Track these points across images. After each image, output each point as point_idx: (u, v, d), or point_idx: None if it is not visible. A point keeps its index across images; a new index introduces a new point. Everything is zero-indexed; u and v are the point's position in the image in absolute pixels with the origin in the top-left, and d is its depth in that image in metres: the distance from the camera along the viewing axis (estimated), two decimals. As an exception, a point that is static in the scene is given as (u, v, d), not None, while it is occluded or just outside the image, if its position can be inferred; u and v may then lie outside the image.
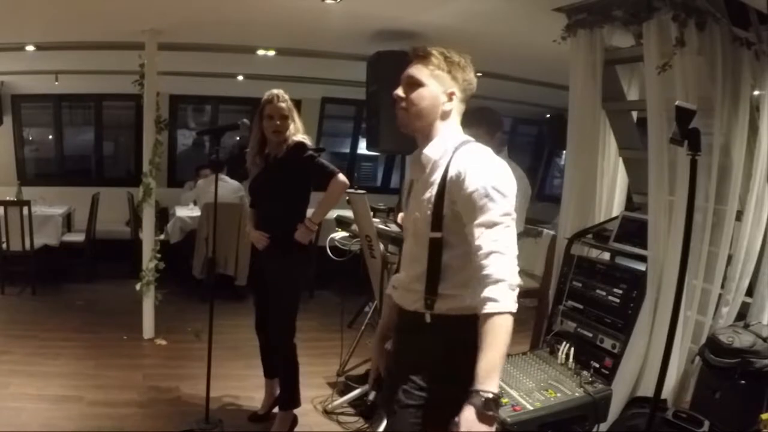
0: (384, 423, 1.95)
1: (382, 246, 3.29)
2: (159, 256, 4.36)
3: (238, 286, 5.41)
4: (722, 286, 2.63)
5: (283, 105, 2.94)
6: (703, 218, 2.56)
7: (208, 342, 3.07)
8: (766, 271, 2.65)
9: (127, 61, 4.39)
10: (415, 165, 1.70)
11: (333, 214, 3.76)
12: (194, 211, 5.77)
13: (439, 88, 1.63)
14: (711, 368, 2.40)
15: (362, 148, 7.71)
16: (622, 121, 3.20)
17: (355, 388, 3.47)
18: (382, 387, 1.79)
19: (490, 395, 1.39)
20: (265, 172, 3.02)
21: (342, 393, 3.50)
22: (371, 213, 3.29)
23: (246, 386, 3.59)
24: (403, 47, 2.06)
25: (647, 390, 2.52)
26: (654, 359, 2.56)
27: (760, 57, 2.61)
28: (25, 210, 5.19)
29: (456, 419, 1.39)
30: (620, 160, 3.26)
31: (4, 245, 5.27)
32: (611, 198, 3.27)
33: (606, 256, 3.03)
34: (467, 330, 1.49)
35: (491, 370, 1.42)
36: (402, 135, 1.71)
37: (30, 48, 4.73)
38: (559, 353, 2.63)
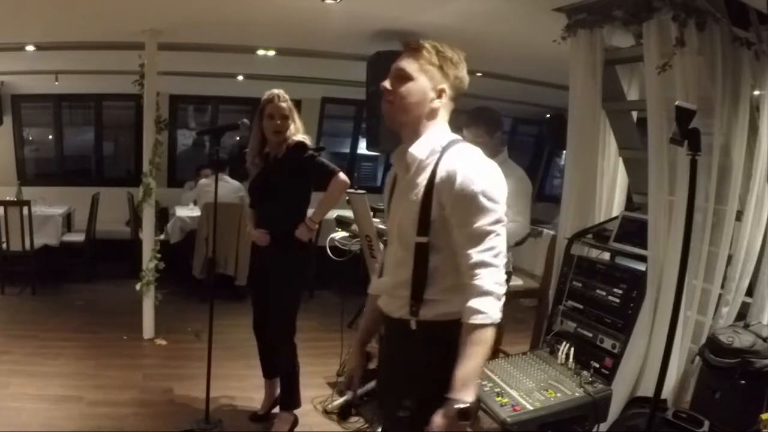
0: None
1: (382, 246, 3.29)
2: (159, 256, 4.36)
3: (238, 286, 5.41)
4: (722, 286, 2.63)
5: (283, 105, 2.94)
6: (703, 218, 2.56)
7: (208, 342, 3.07)
8: (766, 271, 2.65)
9: (127, 61, 4.39)
10: (399, 162, 1.64)
11: (333, 214, 3.76)
12: (194, 211, 5.77)
13: (428, 83, 1.56)
14: (711, 368, 2.40)
15: (362, 148, 7.71)
16: (622, 121, 3.20)
17: (355, 388, 3.47)
18: (373, 394, 1.78)
19: (464, 405, 1.39)
20: (265, 172, 3.02)
21: (342, 393, 3.50)
22: (371, 213, 3.29)
23: (246, 386, 3.59)
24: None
25: (647, 390, 2.52)
26: (654, 359, 2.56)
27: (760, 57, 2.61)
28: (25, 210, 5.19)
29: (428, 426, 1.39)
30: (620, 160, 3.26)
31: (4, 245, 5.27)
32: (611, 198, 3.27)
33: (606, 256, 3.03)
34: (455, 336, 1.47)
35: (468, 380, 1.42)
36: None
37: (30, 48, 4.73)
38: (559, 353, 2.63)
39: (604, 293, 2.72)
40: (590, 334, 2.70)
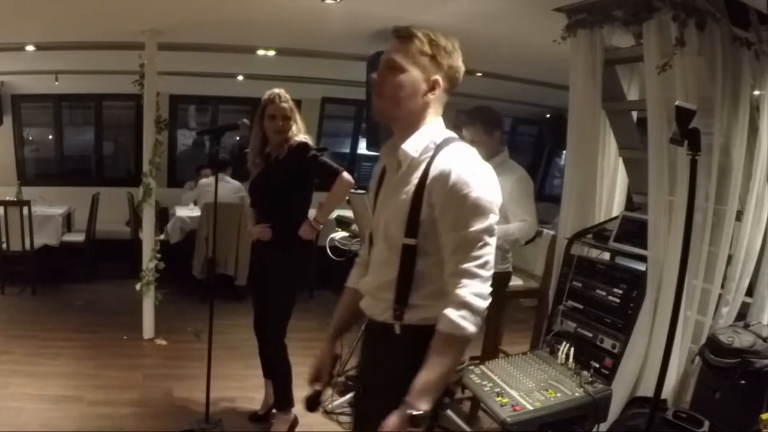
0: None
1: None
2: (159, 256, 4.36)
3: (238, 286, 5.41)
4: (722, 286, 2.63)
5: (285, 105, 2.92)
6: (703, 218, 2.56)
7: (208, 342, 3.07)
8: (766, 271, 2.65)
9: (127, 61, 4.39)
10: (390, 157, 1.56)
11: (333, 213, 3.76)
12: (194, 211, 5.77)
13: (420, 74, 1.46)
14: (711, 368, 2.40)
15: (362, 148, 7.71)
16: (622, 121, 3.20)
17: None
18: (356, 397, 1.71)
19: (418, 412, 1.33)
20: (266, 173, 3.01)
21: (342, 393, 3.50)
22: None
23: (246, 386, 3.59)
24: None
25: (647, 390, 2.52)
26: (654, 359, 2.56)
27: (760, 57, 2.61)
28: (25, 210, 5.19)
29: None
30: (620, 160, 3.26)
31: (4, 245, 5.27)
32: (611, 198, 3.27)
33: (606, 256, 3.03)
34: None
35: (428, 389, 1.36)
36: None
37: (30, 48, 4.73)
38: (559, 353, 2.63)
39: (604, 293, 2.72)
40: (590, 334, 2.70)
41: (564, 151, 6.21)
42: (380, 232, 1.55)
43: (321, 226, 3.00)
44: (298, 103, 3.10)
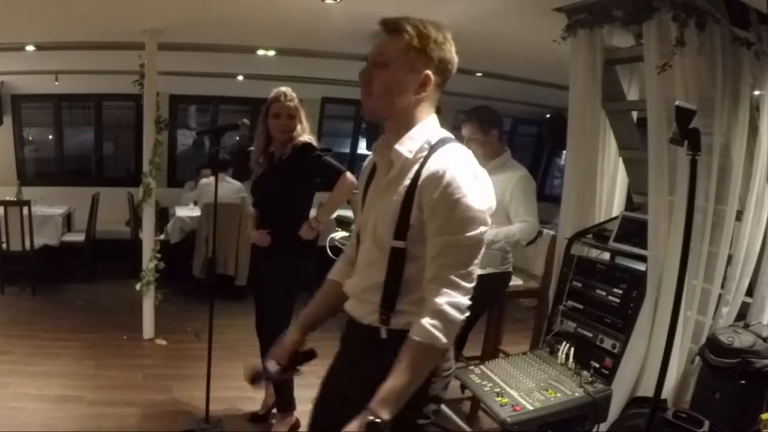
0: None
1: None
2: (159, 256, 4.36)
3: (238, 286, 5.41)
4: (722, 286, 2.63)
5: (290, 104, 2.88)
6: (703, 218, 2.56)
7: (208, 342, 3.07)
8: (766, 271, 2.66)
9: (127, 61, 4.39)
10: (382, 156, 1.49)
11: (333, 213, 3.76)
12: (194, 211, 5.77)
13: (410, 69, 1.38)
14: (711, 368, 2.40)
15: (362, 148, 7.72)
16: (622, 121, 3.20)
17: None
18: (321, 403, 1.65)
19: (376, 420, 1.27)
20: (269, 172, 2.98)
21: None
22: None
23: (246, 386, 3.54)
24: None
25: (647, 390, 2.52)
26: (654, 359, 2.56)
27: (760, 57, 2.61)
28: (25, 210, 5.19)
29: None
30: (620, 160, 3.26)
31: (4, 245, 5.27)
32: (611, 198, 3.27)
33: (606, 256, 3.03)
34: None
35: (391, 397, 1.30)
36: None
37: (30, 48, 4.73)
38: (559, 353, 2.63)
39: (604, 293, 2.72)
40: (590, 334, 2.70)
41: (564, 151, 6.21)
42: (368, 231, 1.48)
43: (322, 226, 2.98)
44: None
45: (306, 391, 3.42)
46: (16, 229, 5.20)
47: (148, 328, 4.44)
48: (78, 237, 5.95)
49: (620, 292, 2.67)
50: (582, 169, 3.14)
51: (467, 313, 1.35)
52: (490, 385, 2.46)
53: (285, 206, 2.94)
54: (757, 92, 2.68)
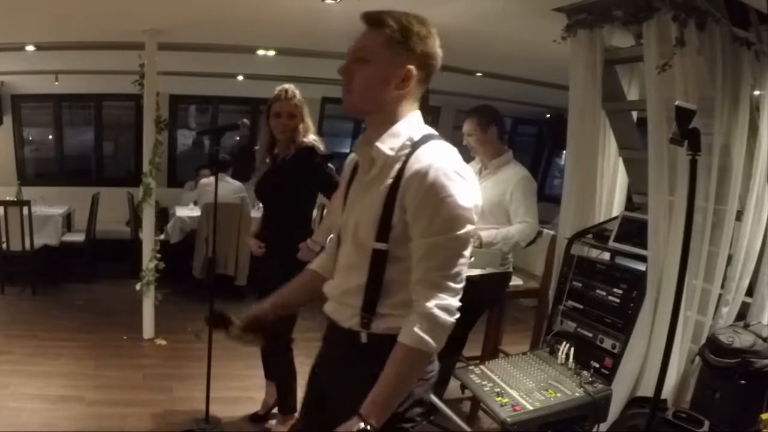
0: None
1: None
2: (159, 256, 4.36)
3: (238, 286, 5.41)
4: (722, 286, 2.63)
5: (290, 102, 2.79)
6: (703, 218, 2.56)
7: (208, 342, 3.06)
8: (766, 271, 2.65)
9: (127, 61, 4.39)
10: (363, 154, 1.44)
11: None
12: (194, 211, 5.77)
13: (391, 65, 1.33)
14: (711, 368, 2.40)
15: (362, 148, 7.71)
16: (622, 121, 3.20)
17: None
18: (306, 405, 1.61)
19: (365, 427, 1.25)
20: (272, 172, 2.94)
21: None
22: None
23: (246, 386, 3.59)
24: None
25: (647, 390, 2.52)
26: (654, 359, 2.56)
27: (760, 57, 2.61)
28: (25, 210, 5.19)
29: None
30: (620, 160, 3.26)
31: (4, 245, 5.27)
32: (611, 198, 3.27)
33: (606, 256, 3.03)
34: None
35: (381, 404, 1.27)
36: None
37: (30, 48, 4.73)
38: (559, 353, 2.63)
39: (604, 293, 2.72)
40: (590, 334, 2.70)
41: (564, 151, 6.21)
42: (349, 232, 1.43)
43: (318, 246, 2.84)
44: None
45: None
46: (16, 229, 5.20)
47: (148, 328, 4.44)
48: (78, 237, 5.95)
49: (620, 292, 2.67)
50: (582, 169, 3.14)
51: (457, 315, 1.31)
52: (490, 385, 2.46)
53: (287, 207, 2.91)
54: (757, 92, 2.68)
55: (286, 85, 2.85)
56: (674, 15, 2.50)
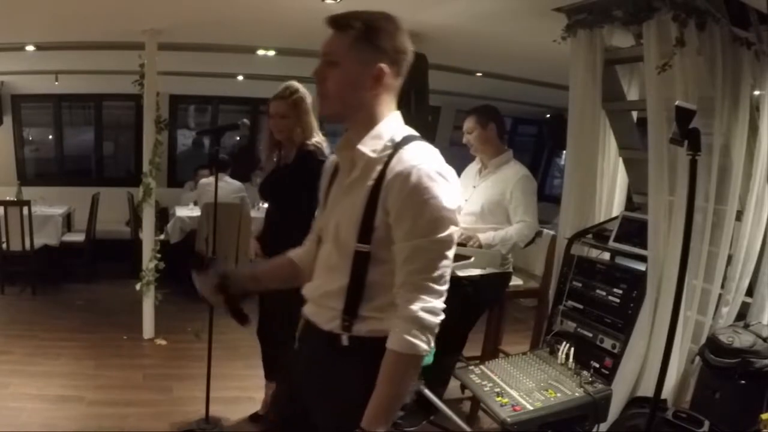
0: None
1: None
2: (159, 256, 4.36)
3: (238, 286, 5.40)
4: (722, 286, 2.63)
5: (286, 102, 2.74)
6: (703, 218, 2.56)
7: (208, 342, 3.06)
8: (766, 271, 2.65)
9: (127, 61, 4.39)
10: (344, 159, 1.42)
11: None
12: (194, 211, 5.77)
13: (361, 65, 1.32)
14: (711, 368, 2.40)
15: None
16: (622, 121, 3.20)
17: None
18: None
19: None
20: (274, 175, 2.92)
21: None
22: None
23: (246, 386, 3.59)
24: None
25: (647, 390, 2.52)
26: (654, 359, 2.56)
27: (760, 57, 2.61)
28: (25, 210, 5.19)
29: None
30: (620, 160, 3.26)
31: (4, 245, 5.27)
32: (611, 198, 3.27)
33: (606, 256, 3.03)
34: None
35: (381, 412, 1.27)
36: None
37: (30, 48, 4.73)
38: (559, 353, 2.63)
39: (604, 293, 2.72)
40: (590, 334, 2.70)
41: (564, 151, 6.21)
42: (330, 234, 1.41)
43: None
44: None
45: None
46: (16, 229, 5.20)
47: (148, 328, 4.44)
48: (78, 237, 5.95)
49: (620, 292, 2.67)
50: (582, 169, 3.14)
51: (442, 316, 1.30)
52: (490, 385, 2.46)
53: (287, 207, 2.90)
54: (757, 92, 2.68)
55: (286, 84, 2.80)
56: (674, 15, 2.50)
